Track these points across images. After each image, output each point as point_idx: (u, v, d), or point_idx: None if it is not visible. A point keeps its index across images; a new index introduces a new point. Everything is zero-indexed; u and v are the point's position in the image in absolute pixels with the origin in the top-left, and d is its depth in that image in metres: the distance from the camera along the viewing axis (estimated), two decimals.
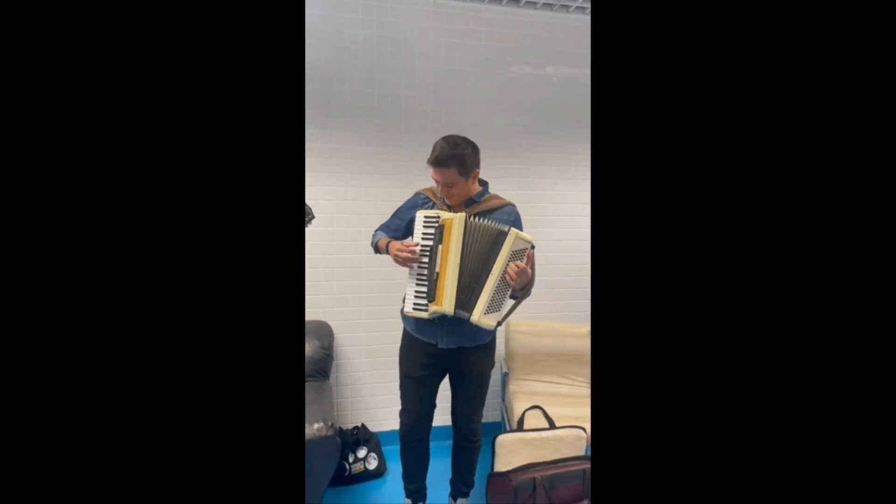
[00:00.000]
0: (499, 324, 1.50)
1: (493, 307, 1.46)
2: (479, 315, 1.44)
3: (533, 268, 1.47)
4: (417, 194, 1.64)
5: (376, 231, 1.67)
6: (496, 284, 1.44)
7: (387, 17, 2.21)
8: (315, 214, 1.50)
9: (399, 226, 1.64)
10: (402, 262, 1.48)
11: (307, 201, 1.54)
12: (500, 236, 1.44)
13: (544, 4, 2.32)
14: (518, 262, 1.43)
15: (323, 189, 2.18)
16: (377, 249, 1.63)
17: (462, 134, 1.49)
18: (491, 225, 1.45)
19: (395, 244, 1.52)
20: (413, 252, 1.46)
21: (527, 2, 2.30)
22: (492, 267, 1.44)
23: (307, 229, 1.56)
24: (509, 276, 1.43)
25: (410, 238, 1.55)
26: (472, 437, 1.66)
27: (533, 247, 1.47)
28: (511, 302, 1.52)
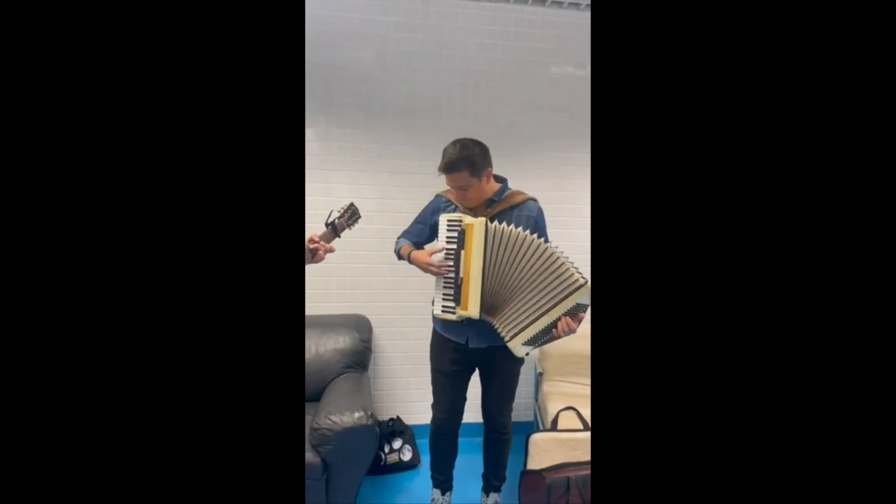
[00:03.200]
0: (527, 354, 1.56)
1: (532, 342, 1.51)
2: (518, 343, 1.50)
3: (578, 324, 1.48)
4: (438, 197, 1.65)
5: (399, 238, 1.70)
6: (546, 326, 1.47)
7: (429, 20, 2.25)
8: (361, 214, 1.52)
9: (422, 230, 1.66)
10: (436, 270, 1.51)
11: (355, 202, 1.55)
12: (572, 281, 1.43)
13: (588, 6, 2.31)
14: (570, 320, 1.45)
15: (365, 188, 2.24)
16: (399, 256, 1.66)
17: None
18: (518, 231, 1.45)
19: (421, 256, 1.54)
20: (442, 259, 1.50)
21: (570, 3, 2.29)
22: (549, 306, 1.46)
23: (352, 230, 1.59)
24: (560, 325, 1.45)
25: (436, 241, 1.58)
26: (502, 430, 1.72)
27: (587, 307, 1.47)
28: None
